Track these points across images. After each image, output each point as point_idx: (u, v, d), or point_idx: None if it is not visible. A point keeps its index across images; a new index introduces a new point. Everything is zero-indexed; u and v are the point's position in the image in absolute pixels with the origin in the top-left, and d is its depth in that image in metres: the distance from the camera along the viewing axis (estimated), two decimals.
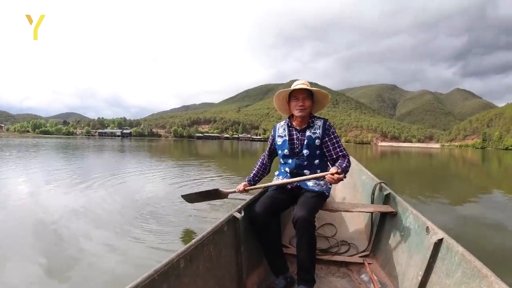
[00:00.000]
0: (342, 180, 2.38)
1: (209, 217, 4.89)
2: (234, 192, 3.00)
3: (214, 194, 3.63)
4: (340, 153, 2.66)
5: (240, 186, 2.87)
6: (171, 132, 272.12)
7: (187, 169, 12.17)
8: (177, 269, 1.55)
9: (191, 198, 4.03)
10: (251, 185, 2.89)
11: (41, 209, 5.38)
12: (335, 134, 2.73)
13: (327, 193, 2.67)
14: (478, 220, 5.76)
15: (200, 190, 3.87)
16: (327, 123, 2.73)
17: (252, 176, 2.95)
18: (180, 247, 1.48)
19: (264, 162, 3.00)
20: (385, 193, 2.92)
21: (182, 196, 4.13)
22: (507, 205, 7.44)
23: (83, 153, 21.28)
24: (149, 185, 8.05)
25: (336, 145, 2.69)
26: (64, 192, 6.88)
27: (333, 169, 2.39)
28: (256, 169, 2.98)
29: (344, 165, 2.50)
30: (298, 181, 2.59)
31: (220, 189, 3.50)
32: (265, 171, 3.00)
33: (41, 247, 3.68)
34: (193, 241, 1.74)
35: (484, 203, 7.55)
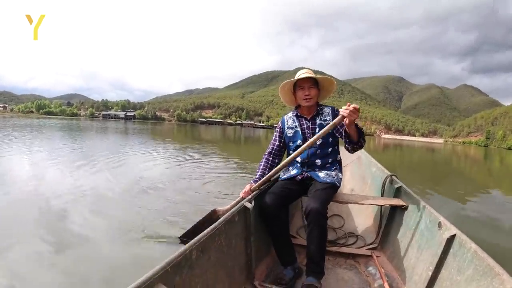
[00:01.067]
0: (357, 115, 2.18)
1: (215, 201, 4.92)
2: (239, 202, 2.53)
3: (209, 221, 2.74)
4: None
5: (246, 188, 2.59)
6: (174, 116, 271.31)
7: (191, 153, 12.22)
8: (189, 261, 1.53)
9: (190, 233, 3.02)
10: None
11: (48, 188, 5.44)
12: None
13: (338, 184, 2.64)
14: (484, 218, 5.77)
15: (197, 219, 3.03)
16: (335, 109, 2.70)
17: (258, 177, 2.70)
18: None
19: (269, 162, 2.80)
20: (396, 186, 2.89)
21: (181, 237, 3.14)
22: (509, 204, 7.44)
23: (90, 135, 21.35)
24: (155, 168, 8.09)
25: None
26: (74, 172, 6.94)
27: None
28: (261, 170, 2.76)
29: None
30: (314, 141, 2.41)
31: (218, 208, 2.88)
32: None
33: (45, 227, 3.71)
34: (205, 231, 1.73)
35: (488, 201, 7.55)
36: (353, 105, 2.16)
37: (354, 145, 2.45)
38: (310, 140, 2.41)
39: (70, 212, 4.22)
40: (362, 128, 2.44)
